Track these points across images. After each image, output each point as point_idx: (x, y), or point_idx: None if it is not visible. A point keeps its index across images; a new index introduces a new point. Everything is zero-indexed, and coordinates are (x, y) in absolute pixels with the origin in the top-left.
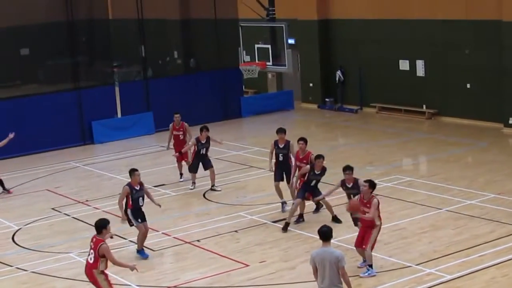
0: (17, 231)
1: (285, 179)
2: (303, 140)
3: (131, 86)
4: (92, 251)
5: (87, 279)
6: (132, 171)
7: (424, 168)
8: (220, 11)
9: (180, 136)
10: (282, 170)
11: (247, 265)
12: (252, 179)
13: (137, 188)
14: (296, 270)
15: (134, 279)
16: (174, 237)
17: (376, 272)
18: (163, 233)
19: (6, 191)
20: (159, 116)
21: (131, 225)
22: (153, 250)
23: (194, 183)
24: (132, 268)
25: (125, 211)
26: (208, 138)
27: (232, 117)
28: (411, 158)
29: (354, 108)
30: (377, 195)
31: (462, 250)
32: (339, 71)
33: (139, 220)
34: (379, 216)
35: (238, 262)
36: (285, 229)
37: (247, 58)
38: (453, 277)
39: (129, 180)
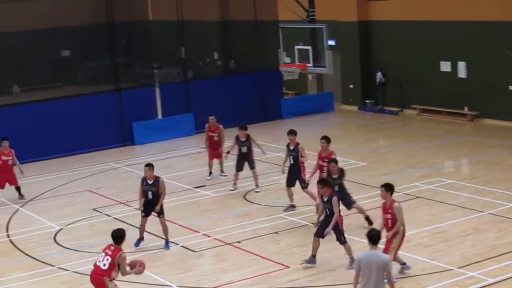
0: (58, 231)
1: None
2: (325, 138)
3: (171, 88)
4: (107, 257)
5: (94, 285)
6: (144, 166)
7: (465, 170)
8: (260, 13)
9: (215, 137)
10: (291, 174)
11: (288, 267)
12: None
13: (149, 182)
14: (336, 272)
15: (174, 279)
16: (214, 238)
17: (410, 266)
18: (203, 234)
19: (21, 196)
20: (199, 117)
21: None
22: (194, 251)
23: (235, 184)
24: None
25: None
26: (248, 137)
27: (272, 118)
28: (453, 160)
29: (394, 110)
30: (418, 197)
31: (505, 254)
32: (379, 72)
33: (143, 214)
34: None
35: (279, 263)
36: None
37: (287, 60)
38: (495, 281)
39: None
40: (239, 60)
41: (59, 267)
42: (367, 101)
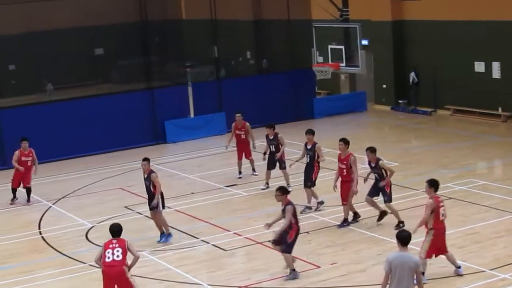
0: (90, 228)
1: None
2: (343, 141)
3: (203, 86)
4: (117, 249)
5: (114, 280)
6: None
7: (499, 171)
8: (294, 12)
9: (242, 135)
10: (306, 173)
11: (318, 267)
12: (323, 180)
13: (145, 176)
14: (366, 272)
15: (205, 278)
16: (245, 237)
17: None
18: (234, 233)
19: (28, 200)
20: (231, 116)
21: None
22: (225, 250)
23: (267, 183)
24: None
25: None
26: (275, 135)
27: (304, 118)
28: (486, 162)
29: (427, 110)
30: (451, 198)
31: None
32: (413, 72)
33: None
34: (435, 219)
35: (309, 263)
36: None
37: (320, 59)
38: None
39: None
40: (271, 59)
41: (90, 265)
42: (400, 101)
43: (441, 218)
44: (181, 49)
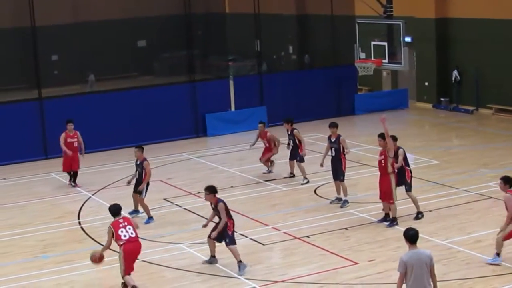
0: None
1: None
2: (381, 136)
3: (245, 80)
4: (129, 227)
5: (135, 254)
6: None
7: None
8: (337, 8)
9: (266, 143)
10: (333, 166)
11: (356, 263)
12: (363, 177)
13: (137, 162)
14: None
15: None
16: (283, 232)
17: (501, 261)
18: (272, 227)
19: (75, 184)
20: (272, 110)
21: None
22: (263, 244)
23: (305, 177)
24: None
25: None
26: (292, 131)
27: (345, 114)
28: None
29: (469, 108)
30: (491, 197)
31: None
32: (455, 70)
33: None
34: None
35: (347, 259)
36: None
37: (363, 55)
38: None
39: None
40: (313, 54)
41: None
42: (442, 99)
43: None
44: (223, 43)
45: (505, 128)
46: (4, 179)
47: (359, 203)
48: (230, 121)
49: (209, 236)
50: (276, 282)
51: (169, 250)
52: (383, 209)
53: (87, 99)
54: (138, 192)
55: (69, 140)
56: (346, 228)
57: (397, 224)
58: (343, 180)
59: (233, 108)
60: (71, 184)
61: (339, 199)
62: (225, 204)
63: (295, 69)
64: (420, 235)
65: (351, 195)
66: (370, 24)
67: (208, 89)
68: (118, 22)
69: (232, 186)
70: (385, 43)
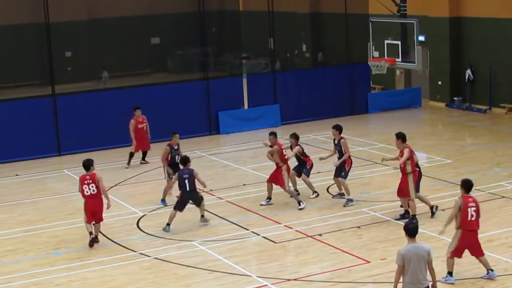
0: (142, 217)
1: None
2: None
3: (258, 78)
4: (92, 184)
5: (93, 208)
6: (173, 133)
7: None
8: (351, 6)
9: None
10: (340, 166)
11: (368, 262)
12: (376, 176)
13: (175, 147)
14: None
15: (254, 270)
16: (296, 230)
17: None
18: (285, 225)
19: (145, 161)
20: (286, 108)
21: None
22: (275, 242)
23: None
24: (108, 206)
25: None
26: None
27: (359, 112)
28: None
29: (482, 108)
30: (503, 197)
31: None
32: (469, 69)
33: (170, 176)
34: (462, 218)
35: (359, 258)
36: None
37: (376, 54)
38: None
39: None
40: (327, 52)
41: (141, 253)
42: (455, 98)
43: (469, 218)
44: (237, 40)
45: None
46: (17, 175)
47: (372, 202)
48: (243, 119)
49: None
50: (289, 280)
51: (182, 248)
52: (401, 206)
53: (100, 96)
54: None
55: (139, 126)
56: (358, 227)
57: (416, 221)
58: (344, 177)
59: (246, 106)
60: (142, 162)
61: (341, 195)
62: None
63: (308, 67)
64: (431, 233)
65: (365, 194)
66: (383, 23)
67: (222, 87)
68: (132, 19)
69: (244, 184)
70: (399, 42)
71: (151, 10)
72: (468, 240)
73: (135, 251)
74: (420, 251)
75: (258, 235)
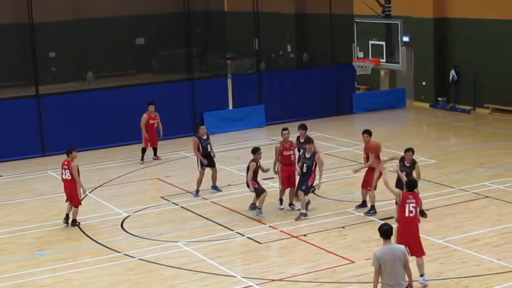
0: (126, 218)
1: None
2: (367, 132)
3: (243, 79)
4: (67, 170)
5: (67, 193)
6: (199, 125)
7: None
8: (336, 7)
9: (292, 156)
10: (301, 177)
11: (353, 262)
12: (361, 176)
13: (204, 138)
14: None
15: (239, 270)
16: (281, 231)
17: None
18: (270, 226)
19: (157, 157)
20: (271, 109)
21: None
22: (260, 243)
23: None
24: (83, 192)
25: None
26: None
27: (343, 113)
28: None
29: (467, 108)
30: (487, 197)
31: None
32: (453, 70)
33: (204, 167)
34: (400, 212)
35: (344, 258)
36: None
37: (361, 55)
38: None
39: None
40: (312, 53)
41: (125, 254)
42: (439, 98)
43: (407, 214)
44: (222, 41)
45: (502, 128)
46: (1, 176)
47: (357, 202)
48: (228, 119)
49: None
50: (273, 280)
51: (167, 248)
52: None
53: (85, 96)
54: None
55: (151, 121)
56: (343, 227)
57: (375, 213)
58: (304, 192)
59: (231, 107)
60: (154, 158)
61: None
62: None
63: (293, 68)
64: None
65: (349, 194)
66: (368, 24)
67: (207, 87)
68: (117, 19)
69: (229, 185)
70: (383, 43)
71: (136, 10)
72: (405, 236)
73: (119, 252)
74: (395, 252)
75: (243, 235)
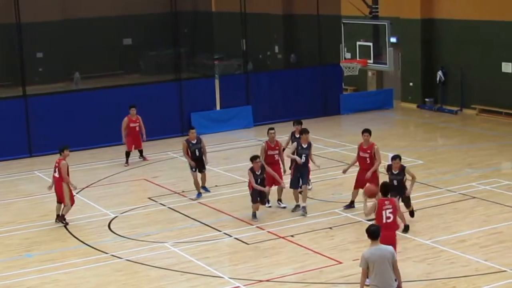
0: (113, 219)
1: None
2: (368, 132)
3: (231, 79)
4: (57, 168)
5: (56, 192)
6: (189, 129)
7: None
8: (323, 7)
9: (275, 156)
10: (300, 172)
11: (341, 263)
12: (349, 177)
13: (194, 141)
14: None
15: (227, 271)
16: (268, 232)
17: None
18: (257, 227)
19: (143, 157)
20: (258, 110)
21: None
22: (247, 244)
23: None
24: (74, 188)
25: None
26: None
27: (331, 113)
28: (511, 162)
29: (454, 109)
30: (475, 197)
31: None
32: (440, 71)
33: (193, 169)
34: (377, 219)
35: (332, 259)
36: None
37: (348, 55)
38: None
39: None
40: (300, 54)
41: (112, 255)
42: (426, 99)
43: (384, 220)
44: (209, 42)
45: (489, 129)
46: None
47: (345, 203)
48: (215, 120)
49: None
50: (261, 281)
51: (154, 249)
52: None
53: (72, 97)
54: None
55: (131, 124)
56: (330, 228)
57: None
58: (308, 184)
59: (218, 107)
60: (139, 158)
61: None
62: None
63: (281, 69)
64: (404, 234)
65: (337, 195)
66: (355, 24)
67: (194, 88)
68: (104, 19)
69: (217, 185)
70: (371, 44)
71: (123, 11)
72: (384, 242)
73: (107, 253)
74: (384, 253)
75: (231, 236)
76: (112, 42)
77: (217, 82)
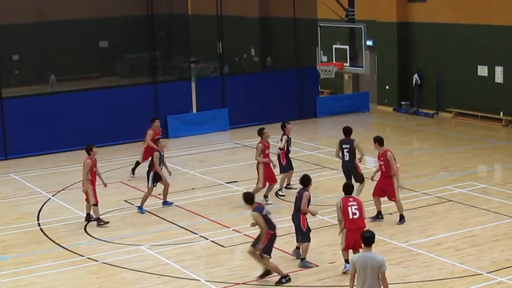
0: (89, 221)
1: None
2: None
3: (207, 82)
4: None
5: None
6: (159, 139)
7: (499, 175)
8: (299, 11)
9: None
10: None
11: (317, 266)
12: (324, 180)
13: (163, 152)
14: None
15: (203, 274)
16: (244, 234)
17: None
18: (233, 229)
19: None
20: (235, 113)
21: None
22: (223, 247)
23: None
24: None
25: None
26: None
27: (307, 116)
28: (486, 165)
29: (430, 112)
30: (450, 200)
31: None
32: (416, 74)
33: (154, 184)
34: (344, 218)
35: (308, 262)
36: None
37: (324, 58)
38: None
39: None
40: (276, 57)
41: (88, 258)
42: (402, 102)
43: (351, 216)
44: (186, 44)
45: (464, 132)
46: None
47: (321, 206)
48: (192, 123)
49: None
50: (237, 284)
51: (130, 252)
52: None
53: (48, 99)
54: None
55: (156, 137)
56: None
57: (404, 220)
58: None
59: (195, 110)
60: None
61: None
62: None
63: (257, 72)
64: (380, 237)
65: (314, 197)
66: (332, 27)
67: (170, 91)
68: (80, 22)
69: (193, 188)
70: (347, 47)
71: (99, 13)
72: (353, 238)
73: (83, 256)
74: (369, 261)
75: (207, 239)
76: (88, 45)
77: (193, 85)
